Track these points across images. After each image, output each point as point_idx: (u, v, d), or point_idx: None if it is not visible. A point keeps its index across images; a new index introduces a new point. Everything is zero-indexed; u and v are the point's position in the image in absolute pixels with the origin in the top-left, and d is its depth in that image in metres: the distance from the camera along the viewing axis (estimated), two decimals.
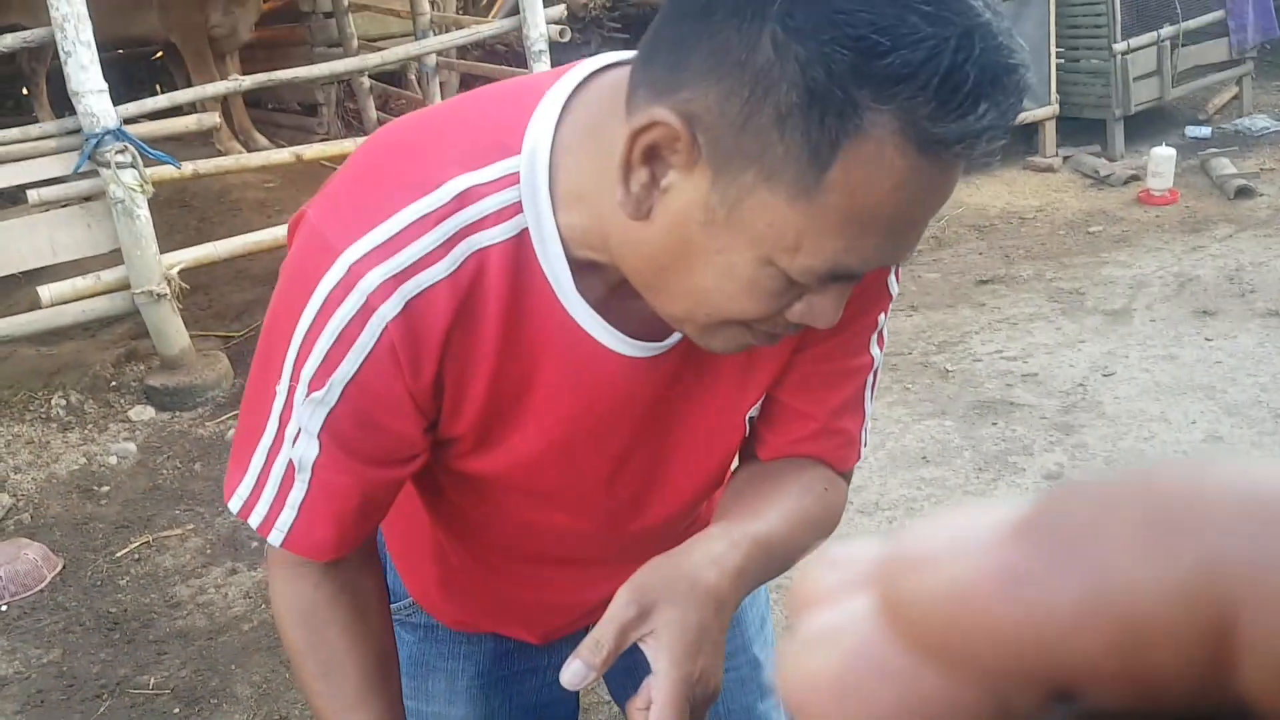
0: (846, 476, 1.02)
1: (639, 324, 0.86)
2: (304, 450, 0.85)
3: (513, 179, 0.79)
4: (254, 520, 0.90)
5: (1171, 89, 6.06)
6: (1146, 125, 6.16)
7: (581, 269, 0.82)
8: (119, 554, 3.03)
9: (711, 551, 0.84)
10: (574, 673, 0.79)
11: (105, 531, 3.15)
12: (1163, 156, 5.27)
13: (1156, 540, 0.15)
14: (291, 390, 0.83)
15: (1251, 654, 0.15)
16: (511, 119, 0.81)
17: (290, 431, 0.85)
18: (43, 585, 2.90)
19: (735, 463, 1.05)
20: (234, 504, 0.91)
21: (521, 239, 0.80)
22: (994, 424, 3.38)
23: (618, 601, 0.80)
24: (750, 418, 0.98)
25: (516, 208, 0.79)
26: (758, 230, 0.71)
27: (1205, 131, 6.23)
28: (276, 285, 0.85)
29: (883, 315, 0.97)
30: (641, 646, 0.80)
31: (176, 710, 2.44)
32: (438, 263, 0.78)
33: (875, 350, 0.98)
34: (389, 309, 0.78)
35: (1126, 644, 0.15)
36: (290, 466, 0.86)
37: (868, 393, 1.00)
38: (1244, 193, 5.27)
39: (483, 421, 0.87)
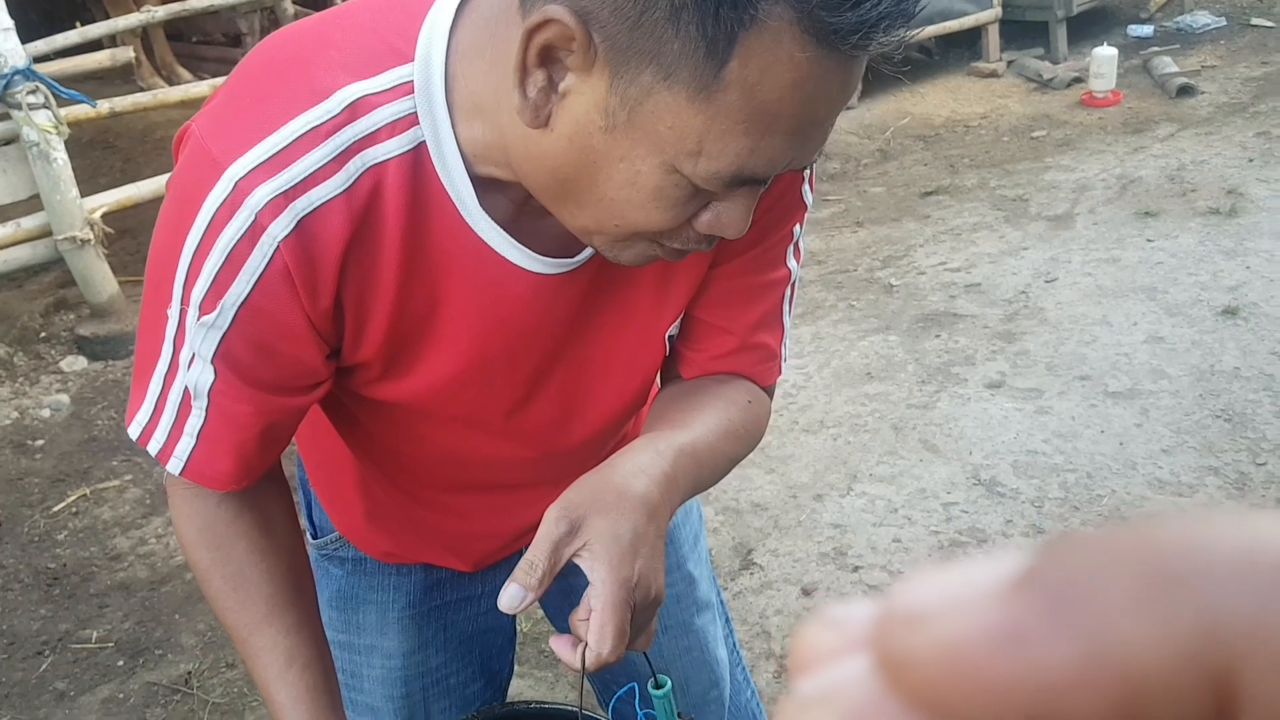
0: (769, 391, 1.02)
1: (549, 242, 0.83)
2: (199, 376, 0.82)
3: (406, 88, 0.76)
4: (152, 447, 0.87)
5: None
6: (1089, 25, 6.11)
7: (485, 186, 0.79)
8: (56, 508, 2.97)
9: (638, 462, 0.82)
10: (511, 596, 0.78)
11: (41, 486, 3.09)
12: (1104, 57, 5.23)
13: (1156, 597, 0.15)
14: (183, 313, 0.79)
15: (1253, 712, 0.15)
16: (403, 24, 0.77)
17: (184, 356, 0.82)
18: None
19: (658, 385, 1.03)
20: (133, 430, 0.88)
21: (419, 153, 0.76)
22: (937, 336, 3.37)
23: (547, 520, 0.79)
24: (670, 336, 0.97)
25: (412, 119, 0.76)
26: (659, 134, 0.69)
27: (1147, 30, 6.19)
28: (163, 203, 0.81)
29: (798, 226, 0.95)
30: (577, 561, 0.78)
31: (121, 663, 2.41)
32: (331, 178, 0.74)
33: (792, 263, 0.96)
34: (280, 228, 0.74)
35: (1126, 702, 0.15)
36: (186, 393, 0.84)
37: (786, 306, 0.99)
38: (1185, 91, 5.26)
39: (389, 346, 0.84)
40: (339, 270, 0.77)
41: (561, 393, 0.94)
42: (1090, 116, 5.20)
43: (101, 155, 5.29)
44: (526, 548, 1.15)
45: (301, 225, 0.75)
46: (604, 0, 0.66)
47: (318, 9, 6.27)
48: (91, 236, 3.53)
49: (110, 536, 2.84)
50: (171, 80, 5.79)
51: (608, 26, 0.66)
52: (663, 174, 0.71)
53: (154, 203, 3.93)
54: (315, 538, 1.17)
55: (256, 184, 0.74)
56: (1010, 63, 5.93)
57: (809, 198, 0.93)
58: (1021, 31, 6.04)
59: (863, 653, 0.18)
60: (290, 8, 5.88)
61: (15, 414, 3.43)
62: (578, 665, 0.76)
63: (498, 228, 0.80)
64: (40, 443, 3.29)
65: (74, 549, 2.81)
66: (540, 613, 1.35)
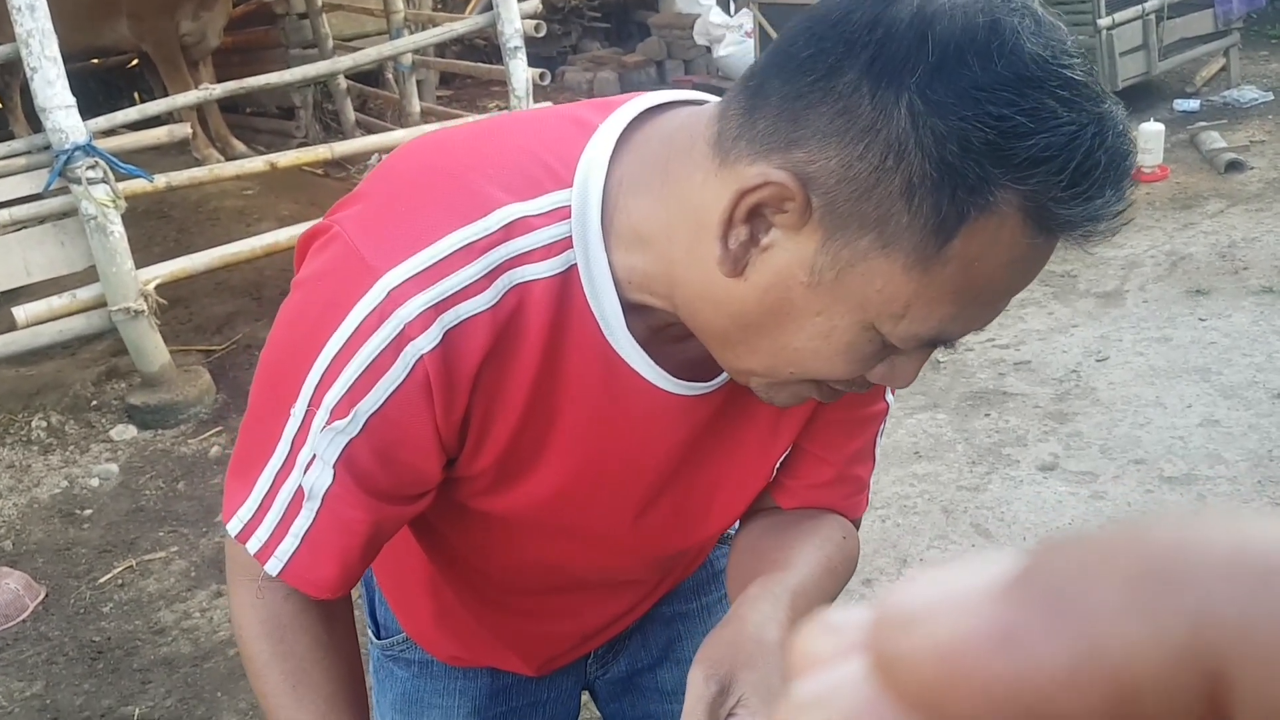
0: (857, 524, 1.04)
1: (681, 365, 0.85)
2: (317, 478, 0.81)
3: (563, 213, 0.77)
4: (252, 546, 0.85)
5: (1158, 63, 6.00)
6: (1135, 100, 6.10)
7: (629, 310, 0.80)
8: (102, 580, 2.98)
9: (763, 611, 0.86)
10: None
11: (88, 557, 3.10)
12: (1151, 132, 5.21)
13: (1148, 597, 0.15)
14: (309, 415, 0.79)
15: (1244, 710, 0.15)
16: (562, 150, 0.79)
17: (303, 457, 0.81)
18: (25, 615, 2.85)
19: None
20: (233, 526, 0.86)
21: (569, 276, 0.78)
22: (987, 415, 3.33)
23: (694, 683, 0.80)
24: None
25: (566, 243, 0.77)
26: (866, 295, 0.71)
27: (1194, 105, 6.17)
28: (292, 297, 0.80)
29: None
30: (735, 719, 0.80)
31: None
32: (480, 294, 0.75)
33: (889, 397, 1.00)
34: (426, 341, 0.74)
35: (1119, 702, 0.15)
36: (299, 493, 0.82)
37: (878, 439, 1.02)
38: (1234, 166, 5.22)
39: (505, 458, 0.84)
40: (473, 384, 0.78)
41: (666, 512, 0.95)
42: (1138, 191, 5.16)
43: (156, 225, 5.39)
44: (592, 651, 1.15)
45: (446, 339, 0.75)
46: (831, 168, 0.68)
47: (368, 84, 6.41)
48: (145, 307, 3.58)
49: (155, 609, 2.84)
50: (226, 151, 5.92)
51: (831, 192, 0.68)
52: (858, 330, 0.73)
53: (207, 274, 3.99)
54: (380, 637, 1.16)
55: (409, 295, 0.74)
56: None
57: None
58: None
59: (858, 656, 0.18)
60: (343, 82, 6.01)
61: (65, 482, 3.46)
62: None
63: (638, 346, 0.81)
64: (88, 512, 3.32)
65: (119, 622, 2.81)
66: (597, 714, 1.33)
